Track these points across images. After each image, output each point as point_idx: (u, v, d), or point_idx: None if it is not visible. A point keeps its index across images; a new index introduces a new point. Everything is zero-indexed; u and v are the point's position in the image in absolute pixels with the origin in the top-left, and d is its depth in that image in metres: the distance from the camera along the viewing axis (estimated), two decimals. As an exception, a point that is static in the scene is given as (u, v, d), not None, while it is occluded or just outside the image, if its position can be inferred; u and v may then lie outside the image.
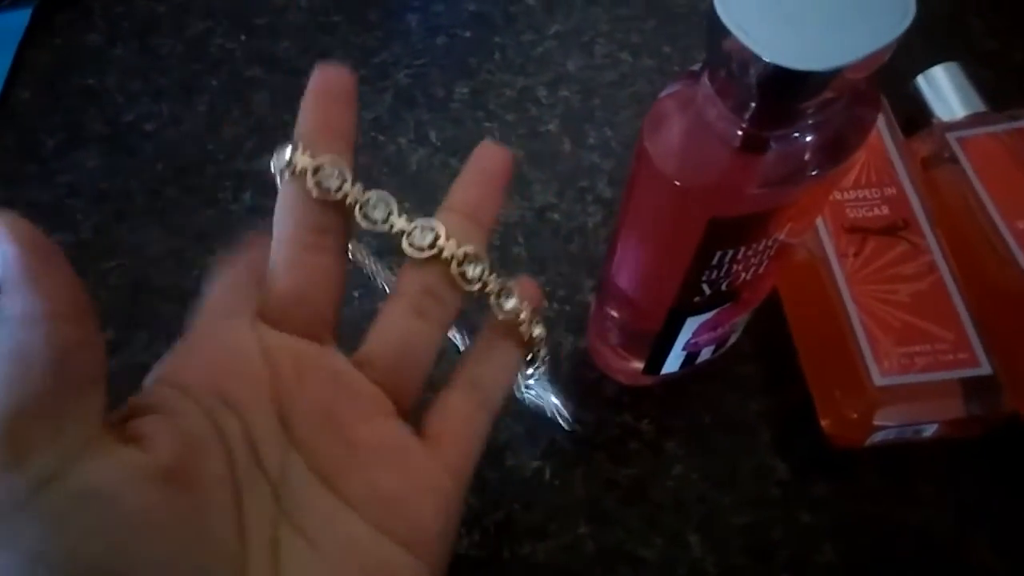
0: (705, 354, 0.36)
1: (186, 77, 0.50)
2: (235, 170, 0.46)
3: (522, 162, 0.46)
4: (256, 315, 0.22)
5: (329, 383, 0.22)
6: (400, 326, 0.23)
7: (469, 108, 0.48)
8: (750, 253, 0.28)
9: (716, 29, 0.21)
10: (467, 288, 0.23)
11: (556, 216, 0.44)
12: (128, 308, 0.40)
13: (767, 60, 0.20)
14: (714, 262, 0.27)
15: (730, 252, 0.27)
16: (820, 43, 0.20)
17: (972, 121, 0.41)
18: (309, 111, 0.24)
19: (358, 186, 0.23)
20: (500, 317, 0.25)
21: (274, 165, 0.23)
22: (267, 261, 0.23)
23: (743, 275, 0.29)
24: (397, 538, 0.21)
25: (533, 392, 0.37)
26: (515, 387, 0.37)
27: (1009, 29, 0.50)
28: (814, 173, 0.24)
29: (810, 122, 0.23)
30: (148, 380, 0.21)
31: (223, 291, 0.23)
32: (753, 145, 0.24)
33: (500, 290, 0.24)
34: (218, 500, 0.19)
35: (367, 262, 0.41)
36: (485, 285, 0.24)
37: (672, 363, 0.36)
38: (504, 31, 0.51)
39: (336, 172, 0.22)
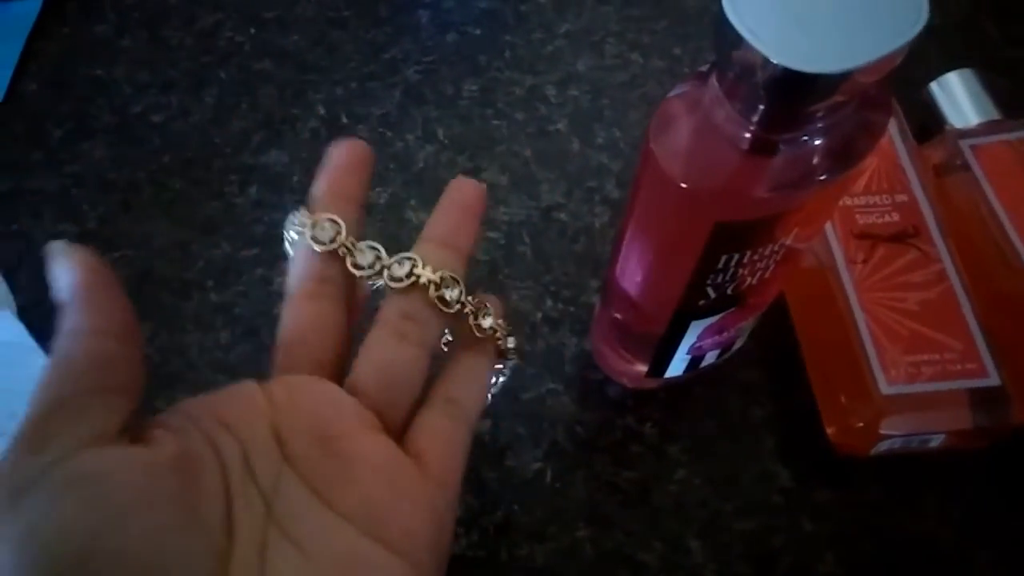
0: (710, 358, 0.36)
1: (195, 69, 0.50)
2: (242, 163, 0.46)
3: (530, 161, 0.46)
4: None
5: (320, 403, 0.23)
6: (382, 351, 0.24)
7: (478, 106, 0.48)
8: (756, 257, 0.27)
9: (725, 30, 0.21)
10: (446, 311, 0.25)
11: (563, 216, 0.44)
12: (132, 299, 0.40)
13: (776, 62, 0.20)
14: (719, 266, 0.27)
15: (736, 256, 0.27)
16: (830, 45, 0.20)
17: (986, 128, 0.41)
18: (322, 179, 0.26)
19: (350, 238, 0.25)
20: (478, 335, 0.26)
21: (284, 228, 0.26)
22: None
23: (749, 279, 0.29)
24: (390, 547, 0.21)
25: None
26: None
27: (1025, 36, 0.50)
28: (823, 178, 0.24)
29: (820, 126, 0.23)
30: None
31: None
32: (761, 148, 0.24)
33: (478, 310, 0.26)
34: (209, 494, 0.20)
35: None
36: (464, 306, 0.25)
37: (676, 366, 0.35)
38: (514, 29, 0.51)
39: (330, 226, 0.24)
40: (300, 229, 0.25)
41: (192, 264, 0.43)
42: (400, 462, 0.23)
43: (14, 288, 0.42)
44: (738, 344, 0.37)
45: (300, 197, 0.44)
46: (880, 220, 0.37)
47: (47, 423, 0.19)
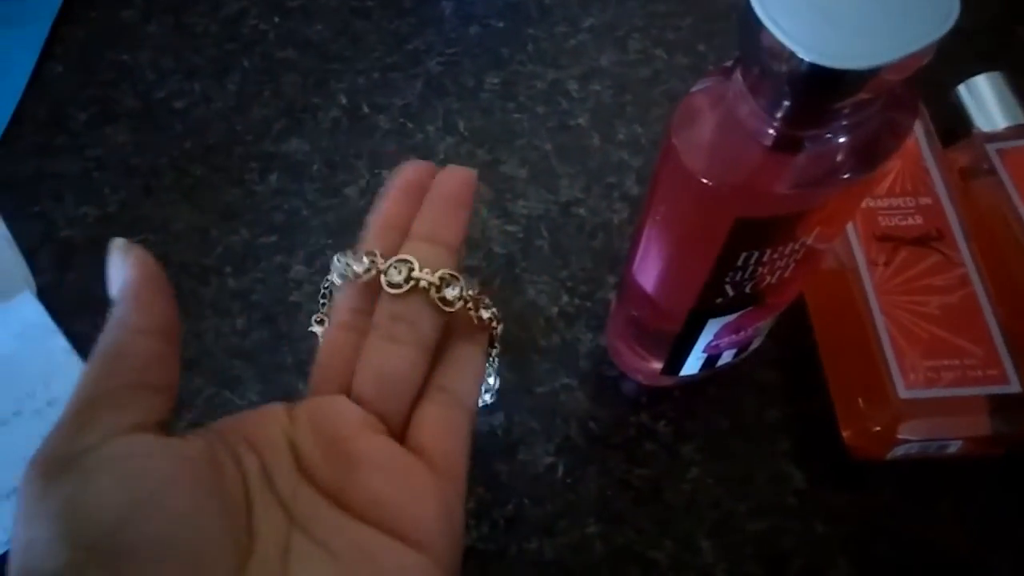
0: (726, 357, 0.36)
1: (219, 56, 0.50)
2: (263, 151, 0.46)
3: (550, 155, 0.46)
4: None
5: (329, 415, 0.24)
6: (376, 357, 0.24)
7: (499, 99, 0.48)
8: (776, 256, 0.27)
9: (750, 24, 0.20)
10: (448, 310, 0.25)
11: (582, 211, 0.44)
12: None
13: (803, 57, 0.20)
14: (738, 263, 0.27)
15: (755, 254, 0.27)
16: (858, 42, 0.20)
17: (1013, 132, 0.40)
18: (382, 203, 0.27)
19: (383, 262, 0.25)
20: (477, 324, 0.26)
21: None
22: None
23: (768, 278, 0.29)
24: (406, 540, 0.22)
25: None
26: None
27: (1056, 40, 0.49)
28: (846, 177, 0.24)
29: (844, 124, 0.23)
30: None
31: None
32: (785, 145, 0.23)
33: (477, 302, 0.26)
34: (233, 496, 0.21)
35: None
36: (466, 302, 0.25)
37: (692, 365, 0.35)
38: (538, 23, 0.51)
39: (364, 259, 0.25)
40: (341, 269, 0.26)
41: (211, 250, 0.43)
42: (403, 459, 0.23)
43: (34, 269, 0.42)
44: (755, 344, 0.37)
45: (319, 185, 0.45)
46: (903, 223, 0.37)
47: (89, 410, 0.20)
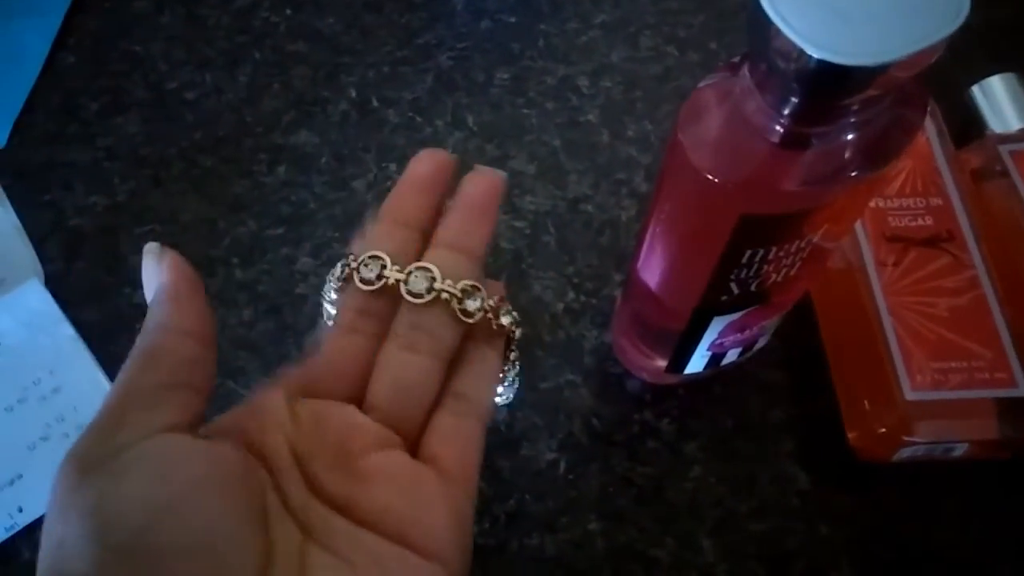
0: (731, 356, 0.36)
1: (230, 48, 0.50)
2: (272, 143, 0.46)
3: (559, 151, 0.46)
4: (289, 385, 0.24)
5: (338, 426, 0.23)
6: (392, 366, 0.24)
7: (509, 94, 0.48)
8: (782, 254, 0.27)
9: (758, 20, 0.20)
10: (469, 321, 0.24)
11: (589, 208, 0.44)
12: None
13: (811, 53, 0.20)
14: (744, 261, 0.27)
15: (761, 251, 0.26)
16: (866, 38, 0.20)
17: (1027, 134, 0.40)
18: (391, 196, 0.26)
19: (396, 269, 0.24)
20: (496, 329, 0.25)
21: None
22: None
23: (774, 276, 0.29)
24: (417, 550, 0.22)
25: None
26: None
27: (1073, 42, 0.48)
28: (853, 174, 0.24)
29: (852, 120, 0.22)
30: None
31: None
32: (792, 142, 0.23)
33: (498, 310, 0.25)
34: (257, 498, 0.21)
35: None
36: (486, 312, 0.24)
37: (696, 363, 0.35)
38: (549, 18, 0.51)
39: (374, 264, 0.24)
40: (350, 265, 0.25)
41: (218, 241, 0.43)
42: (415, 471, 0.23)
43: (43, 257, 0.42)
44: (760, 343, 0.37)
45: (327, 178, 0.45)
46: (913, 223, 0.36)
47: (124, 408, 0.20)
